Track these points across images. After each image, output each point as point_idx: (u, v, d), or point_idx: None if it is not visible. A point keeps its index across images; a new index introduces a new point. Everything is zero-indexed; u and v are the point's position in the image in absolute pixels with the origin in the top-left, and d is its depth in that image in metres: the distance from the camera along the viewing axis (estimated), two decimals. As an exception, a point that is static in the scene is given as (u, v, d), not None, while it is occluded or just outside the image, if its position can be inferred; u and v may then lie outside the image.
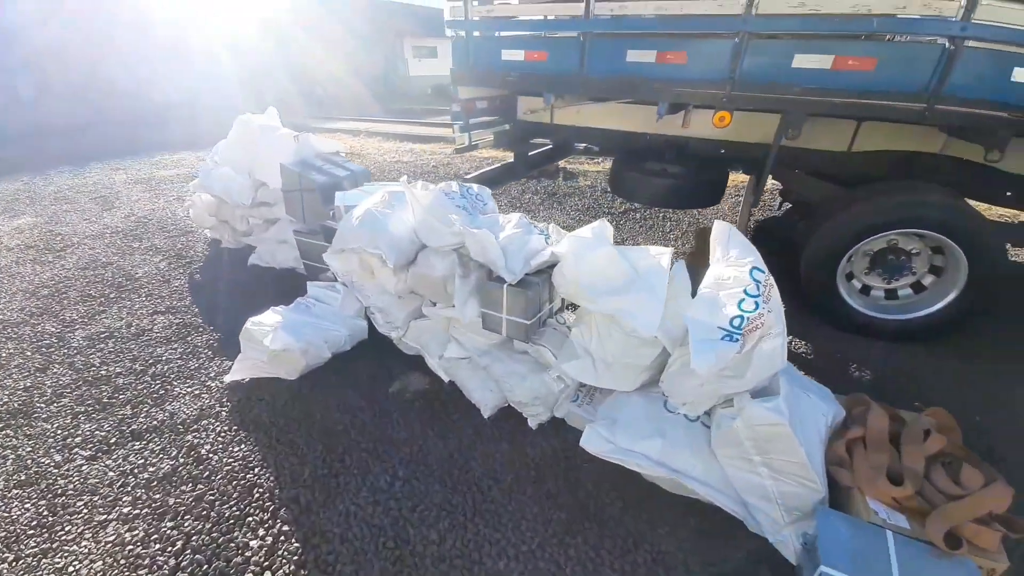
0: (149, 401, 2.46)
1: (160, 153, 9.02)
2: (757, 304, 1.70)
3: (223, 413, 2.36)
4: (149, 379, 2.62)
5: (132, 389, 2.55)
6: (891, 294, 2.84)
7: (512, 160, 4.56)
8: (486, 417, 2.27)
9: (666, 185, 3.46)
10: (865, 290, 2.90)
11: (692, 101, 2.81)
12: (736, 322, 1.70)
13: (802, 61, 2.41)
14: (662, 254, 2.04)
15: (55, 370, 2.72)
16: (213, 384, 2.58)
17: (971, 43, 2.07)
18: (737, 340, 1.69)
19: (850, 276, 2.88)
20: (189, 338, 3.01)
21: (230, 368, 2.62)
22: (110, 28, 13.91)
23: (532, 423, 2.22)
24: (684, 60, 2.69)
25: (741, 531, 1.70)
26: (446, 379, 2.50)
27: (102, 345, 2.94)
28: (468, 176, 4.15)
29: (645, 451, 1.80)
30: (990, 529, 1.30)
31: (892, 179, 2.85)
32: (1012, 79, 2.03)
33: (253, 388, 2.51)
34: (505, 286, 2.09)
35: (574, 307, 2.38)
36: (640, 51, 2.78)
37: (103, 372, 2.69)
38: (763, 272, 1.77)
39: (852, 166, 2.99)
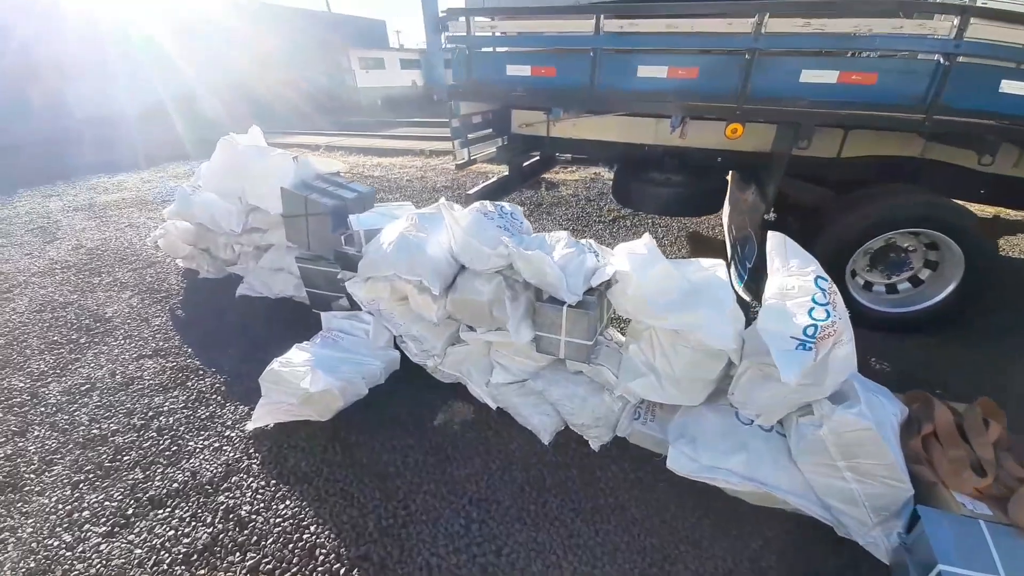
0: (161, 461, 2.18)
1: (96, 176, 8.18)
2: (828, 312, 1.77)
3: (254, 466, 2.14)
4: (154, 434, 2.33)
5: (136, 448, 2.25)
6: (891, 288, 3.06)
7: (507, 173, 4.53)
8: (546, 443, 2.20)
9: (672, 194, 3.56)
10: (867, 286, 3.12)
11: (706, 114, 2.91)
12: (809, 331, 1.75)
13: (809, 76, 2.56)
14: (716, 266, 2.08)
15: (36, 432, 2.35)
16: (233, 434, 2.33)
17: (963, 59, 2.29)
18: (811, 349, 1.75)
19: (853, 273, 3.08)
20: (190, 383, 2.71)
21: (249, 414, 2.39)
22: (23, 41, 12.49)
23: (594, 445, 2.18)
24: (696, 75, 2.78)
25: (831, 536, 1.74)
26: (494, 406, 2.40)
27: (85, 399, 2.58)
28: (471, 191, 4.06)
29: (731, 467, 1.81)
30: None
31: (879, 182, 3.10)
32: (1000, 91, 2.27)
33: (281, 434, 2.29)
34: (565, 308, 2.04)
35: (621, 323, 2.38)
36: (651, 67, 2.84)
37: (95, 431, 2.35)
38: (827, 280, 1.84)
39: (841, 171, 3.22)
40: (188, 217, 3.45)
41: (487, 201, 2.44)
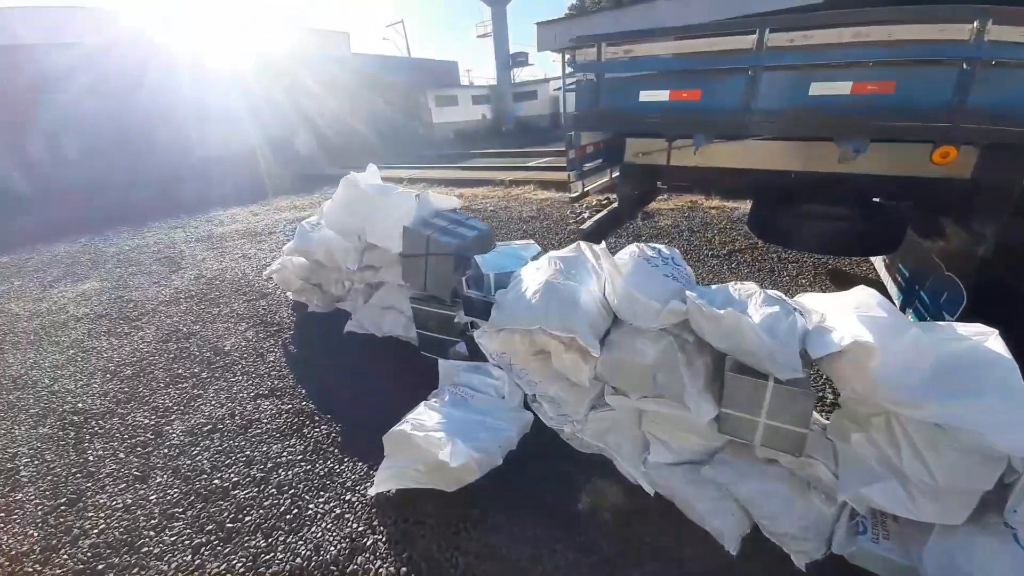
0: (283, 527, 1.98)
1: (212, 209, 9.01)
2: None
3: (380, 546, 1.86)
4: (275, 491, 2.16)
5: (257, 507, 2.08)
6: None
7: (616, 205, 4.20)
8: (732, 552, 1.72)
9: (838, 229, 3.00)
10: None
11: (904, 135, 2.40)
12: None
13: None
14: (984, 335, 1.54)
15: (159, 479, 2.28)
16: (354, 498, 2.09)
17: None
18: None
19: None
20: (305, 430, 2.56)
21: (369, 473, 2.17)
22: (139, 90, 14.54)
23: (799, 562, 1.67)
24: (892, 90, 2.29)
25: None
26: (651, 492, 1.98)
27: (207, 442, 2.51)
28: (584, 226, 3.78)
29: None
30: None
31: None
32: None
33: (406, 504, 2.02)
34: (772, 384, 1.60)
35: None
36: (830, 83, 2.40)
37: (217, 481, 2.23)
38: None
39: None
40: (306, 253, 3.46)
41: (644, 244, 2.09)
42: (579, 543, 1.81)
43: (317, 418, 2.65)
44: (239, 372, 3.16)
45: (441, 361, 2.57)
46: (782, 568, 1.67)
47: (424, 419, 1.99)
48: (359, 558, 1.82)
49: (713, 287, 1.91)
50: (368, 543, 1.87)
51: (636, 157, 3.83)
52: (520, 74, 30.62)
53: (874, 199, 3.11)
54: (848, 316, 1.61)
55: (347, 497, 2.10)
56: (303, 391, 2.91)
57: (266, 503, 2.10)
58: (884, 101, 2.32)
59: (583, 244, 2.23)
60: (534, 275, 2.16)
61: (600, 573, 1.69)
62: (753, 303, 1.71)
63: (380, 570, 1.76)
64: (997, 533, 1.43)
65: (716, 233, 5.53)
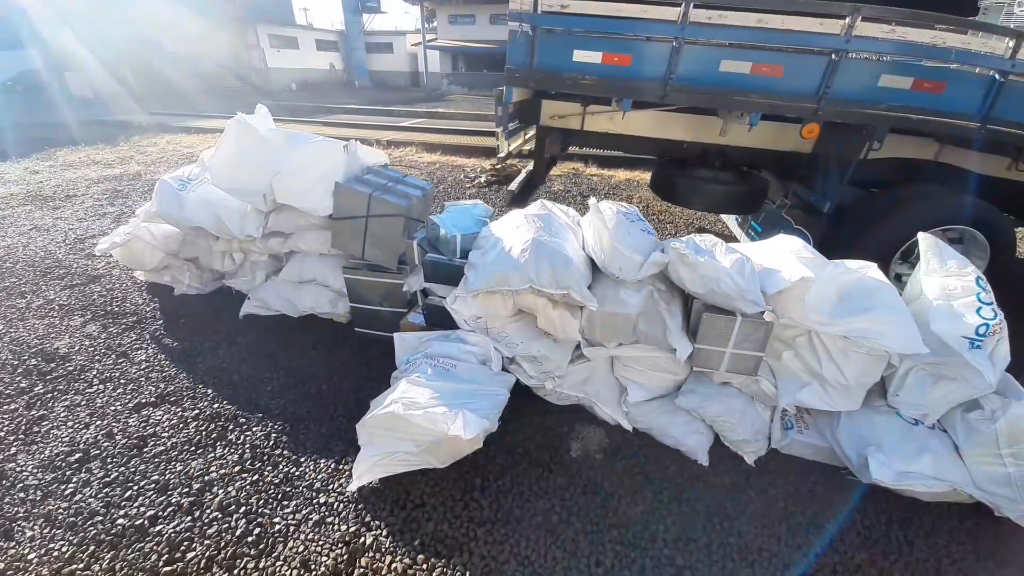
0: (248, 552, 1.62)
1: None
2: (995, 312, 1.82)
3: (384, 540, 1.67)
4: (218, 514, 1.73)
5: (200, 538, 1.65)
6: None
7: (532, 168, 4.25)
8: (705, 464, 2.03)
9: (724, 192, 3.57)
10: (898, 277, 3.40)
11: (786, 113, 2.92)
12: (981, 330, 1.80)
13: (887, 81, 2.68)
14: (867, 267, 2.06)
15: (28, 532, 1.63)
16: (330, 500, 1.82)
17: (1015, 78, 2.53)
18: (980, 347, 1.80)
19: (886, 267, 3.33)
20: (232, 436, 2.09)
21: (339, 470, 1.92)
22: None
23: (751, 459, 2.06)
24: (780, 73, 2.77)
25: (991, 516, 1.80)
26: (630, 428, 2.17)
27: (83, 475, 1.86)
28: (510, 188, 3.72)
29: (921, 469, 1.80)
30: None
31: (897, 183, 3.39)
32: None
33: (395, 492, 1.84)
34: (740, 318, 1.88)
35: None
36: (736, 62, 2.78)
37: (123, 521, 1.69)
38: (984, 279, 1.91)
39: (867, 171, 3.46)
40: (177, 219, 2.67)
41: (609, 201, 2.19)
42: (582, 485, 1.91)
43: (243, 420, 2.18)
44: (96, 380, 2.37)
45: (399, 335, 2.33)
46: (738, 467, 2.04)
47: (414, 396, 1.80)
48: (362, 559, 1.61)
49: (683, 240, 2.12)
50: (368, 541, 1.67)
51: (552, 120, 3.90)
52: (370, 22, 27.70)
53: (743, 167, 3.77)
54: (786, 258, 1.97)
55: (321, 500, 1.81)
56: (209, 392, 2.34)
57: (211, 531, 1.68)
58: (773, 83, 2.78)
59: (594, 203, 2.20)
60: (512, 233, 2.08)
61: (609, 508, 1.82)
62: (719, 252, 1.95)
63: (393, 565, 1.59)
64: (885, 412, 1.98)
65: (601, 198, 6.03)
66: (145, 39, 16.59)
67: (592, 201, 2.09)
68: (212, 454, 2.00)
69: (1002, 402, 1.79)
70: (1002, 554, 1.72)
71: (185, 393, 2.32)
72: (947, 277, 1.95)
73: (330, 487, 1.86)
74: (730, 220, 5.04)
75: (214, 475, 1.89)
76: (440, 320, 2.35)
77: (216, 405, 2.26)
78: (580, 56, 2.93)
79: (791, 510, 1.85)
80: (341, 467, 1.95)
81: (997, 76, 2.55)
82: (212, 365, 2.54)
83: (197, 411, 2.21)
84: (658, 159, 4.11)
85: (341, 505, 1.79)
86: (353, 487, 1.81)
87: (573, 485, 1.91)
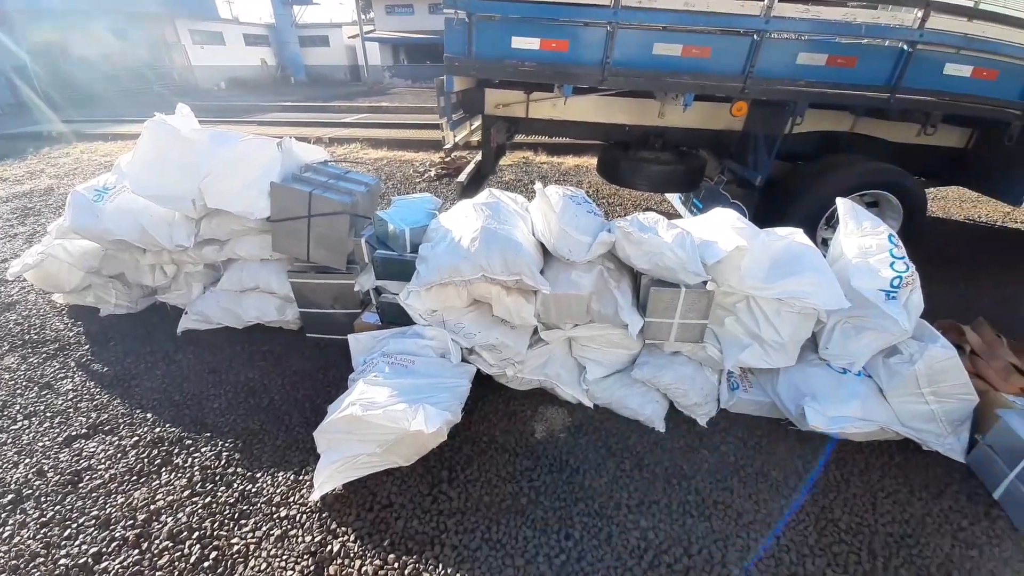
0: None
1: None
2: (906, 265, 2.01)
3: (351, 545, 1.64)
4: (170, 544, 1.64)
5: (151, 569, 1.55)
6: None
7: (480, 158, 4.23)
8: (663, 430, 2.13)
9: (665, 172, 3.70)
10: (824, 242, 3.68)
11: (716, 93, 3.05)
12: (895, 282, 1.98)
13: (805, 59, 2.85)
14: (794, 233, 2.21)
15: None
16: (292, 512, 1.76)
17: (922, 47, 2.76)
18: (895, 298, 1.98)
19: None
20: (178, 460, 1.97)
21: (299, 481, 1.86)
22: None
23: (703, 421, 2.18)
24: (708, 55, 2.88)
25: (919, 451, 2.02)
26: (590, 404, 2.24)
27: (18, 516, 1.69)
28: (459, 179, 3.68)
29: (852, 413, 1.97)
30: None
31: (818, 154, 3.66)
32: (944, 73, 2.82)
33: (361, 495, 1.81)
34: (684, 290, 1.97)
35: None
36: (668, 45, 2.87)
37: (65, 560, 1.56)
38: (895, 236, 2.09)
39: (791, 144, 3.70)
40: (95, 234, 2.45)
41: (566, 186, 2.22)
42: (549, 464, 1.96)
43: (189, 442, 2.06)
44: (20, 416, 2.16)
45: (353, 336, 2.27)
46: (692, 430, 2.15)
47: (372, 396, 1.77)
48: (330, 568, 1.57)
49: (628, 218, 2.18)
50: (335, 549, 1.63)
51: (496, 109, 3.89)
52: (302, 14, 26.28)
53: (682, 148, 3.93)
54: (723, 230, 2.08)
55: (282, 514, 1.75)
56: (148, 417, 2.19)
57: (162, 561, 1.58)
58: (703, 64, 2.90)
59: (540, 187, 2.20)
60: (461, 224, 2.07)
61: (575, 483, 1.88)
62: (661, 228, 2.03)
63: (364, 568, 1.57)
64: (817, 364, 2.14)
65: (547, 183, 6.11)
66: (49, 41, 14.92)
67: (538, 186, 2.11)
68: (157, 481, 1.87)
69: (919, 346, 1.98)
70: (934, 485, 1.91)
71: (121, 420, 2.16)
72: (863, 237, 2.13)
73: (291, 500, 1.80)
74: (674, 198, 5.24)
75: (161, 503, 1.78)
76: (396, 317, 2.31)
77: (158, 429, 2.11)
78: (518, 43, 2.93)
79: (741, 463, 1.98)
80: (301, 478, 1.88)
81: (905, 47, 2.75)
82: (150, 388, 2.37)
83: (136, 438, 2.06)
84: (603, 143, 4.19)
85: (304, 516, 1.74)
86: (315, 496, 1.76)
87: (539, 466, 1.95)
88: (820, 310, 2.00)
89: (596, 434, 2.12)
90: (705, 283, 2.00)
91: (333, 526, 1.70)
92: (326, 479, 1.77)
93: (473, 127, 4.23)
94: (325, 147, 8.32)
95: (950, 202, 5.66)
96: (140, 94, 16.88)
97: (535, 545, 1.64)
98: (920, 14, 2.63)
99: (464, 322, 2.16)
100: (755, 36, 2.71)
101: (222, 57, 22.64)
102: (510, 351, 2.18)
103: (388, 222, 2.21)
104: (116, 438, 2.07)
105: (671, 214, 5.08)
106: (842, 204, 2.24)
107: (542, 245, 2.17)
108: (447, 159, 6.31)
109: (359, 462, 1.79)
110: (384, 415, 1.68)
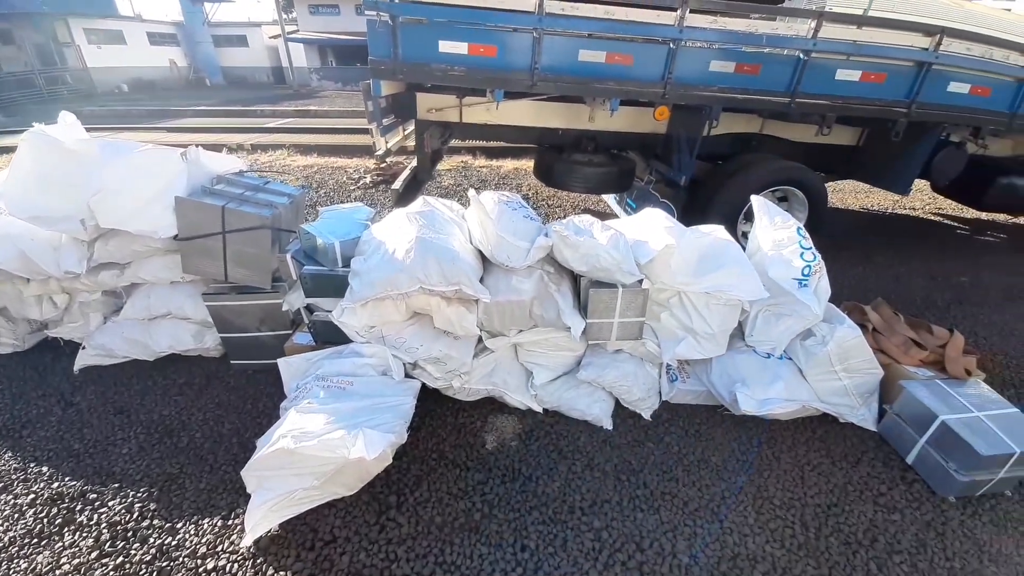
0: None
1: None
2: (814, 254, 2.21)
3: (292, 588, 1.52)
4: (69, 619, 1.42)
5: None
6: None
7: (416, 164, 4.12)
8: (610, 428, 2.17)
9: (599, 174, 3.81)
10: (744, 235, 3.97)
11: (639, 98, 3.17)
12: (806, 271, 2.17)
13: (716, 66, 3.05)
14: (716, 229, 2.35)
15: None
16: (221, 563, 1.59)
17: (816, 55, 3.04)
18: (807, 285, 2.17)
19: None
20: (83, 517, 1.72)
21: (228, 527, 1.69)
22: None
23: (647, 414, 2.25)
24: (631, 62, 3.00)
25: (836, 424, 2.23)
26: (540, 409, 2.24)
27: None
28: (394, 187, 3.55)
29: (777, 395, 2.12)
30: (972, 357, 2.16)
31: (736, 154, 3.95)
32: (836, 78, 3.13)
33: (301, 534, 1.68)
34: (621, 289, 2.02)
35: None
36: (593, 51, 2.95)
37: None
38: (803, 228, 2.29)
39: (710, 146, 3.97)
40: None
41: (501, 191, 2.20)
42: (502, 475, 1.93)
43: (94, 496, 1.81)
44: None
45: (283, 360, 2.10)
46: (638, 424, 2.22)
47: (305, 425, 1.64)
48: (270, 618, 1.44)
49: (564, 221, 2.21)
50: (279, 598, 1.49)
51: (429, 113, 3.81)
52: (215, 12, 24.38)
53: (613, 150, 4.07)
54: (653, 229, 2.17)
55: (209, 566, 1.58)
56: (44, 470, 1.90)
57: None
58: (626, 70, 3.02)
59: (474, 194, 2.14)
60: (394, 234, 1.98)
61: (528, 491, 1.86)
62: (596, 230, 2.08)
63: (308, 612, 1.45)
64: (745, 351, 2.29)
65: (493, 188, 6.12)
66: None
67: (472, 193, 2.07)
68: (60, 543, 1.62)
69: (829, 328, 2.18)
70: (852, 455, 2.10)
71: (14, 476, 1.86)
72: (776, 231, 2.31)
73: (219, 549, 1.63)
74: (609, 199, 5.42)
75: (66, 567, 1.54)
76: (331, 336, 2.17)
77: (56, 484, 1.84)
78: (446, 47, 2.89)
79: (684, 452, 2.07)
80: (231, 523, 1.71)
81: (801, 55, 3.03)
82: (44, 436, 2.06)
83: (32, 495, 1.78)
84: (538, 147, 4.24)
85: (235, 566, 1.58)
86: (248, 541, 1.60)
87: (492, 478, 1.92)
88: (743, 300, 2.14)
89: (547, 438, 2.12)
90: (640, 281, 2.07)
91: (270, 572, 1.56)
92: (259, 521, 1.61)
93: (407, 132, 4.12)
94: (247, 155, 7.83)
95: (846, 194, 6.34)
96: (30, 100, 14.83)
97: (491, 562, 1.60)
98: (813, 24, 2.91)
99: (405, 336, 2.08)
100: (671, 44, 2.85)
101: (123, 58, 20.46)
102: (455, 362, 2.12)
103: (316, 236, 2.07)
104: (10, 496, 1.78)
105: (607, 214, 5.26)
106: (756, 201, 2.41)
107: (480, 253, 2.14)
108: (383, 165, 6.11)
109: (296, 498, 1.65)
110: (320, 445, 1.56)
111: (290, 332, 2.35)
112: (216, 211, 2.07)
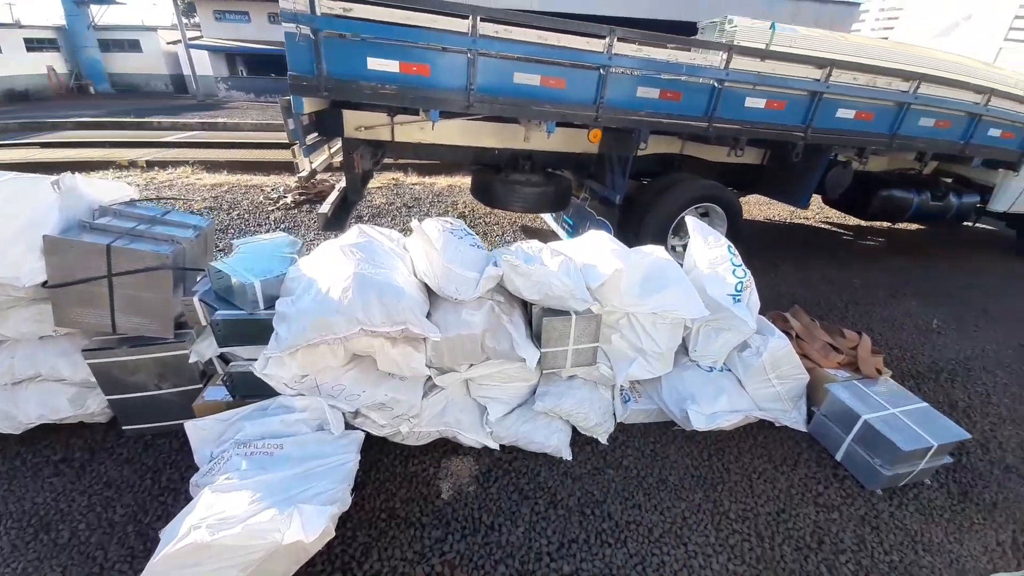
0: None
1: None
2: (744, 271, 2.34)
3: None
4: None
5: None
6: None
7: (345, 184, 3.85)
8: (569, 458, 2.11)
9: (536, 193, 3.82)
10: (673, 248, 4.19)
11: (574, 121, 3.22)
12: (738, 287, 2.29)
13: (643, 92, 3.20)
14: (656, 250, 2.41)
15: None
16: None
17: (728, 84, 3.30)
18: (740, 300, 2.30)
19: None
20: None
21: None
22: None
23: (604, 439, 2.22)
24: (564, 86, 3.05)
25: (774, 428, 2.36)
26: (496, 446, 2.11)
27: None
28: (321, 210, 3.26)
29: (723, 408, 2.20)
30: (879, 357, 2.41)
31: (662, 174, 4.19)
32: (745, 105, 3.42)
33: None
34: (575, 316, 1.98)
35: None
36: (527, 74, 2.95)
37: None
38: (732, 246, 2.42)
39: (638, 165, 4.18)
40: None
41: (444, 218, 2.08)
42: (461, 528, 1.77)
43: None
44: None
45: (192, 424, 1.78)
46: (596, 450, 2.18)
47: (224, 509, 1.37)
48: None
49: (512, 248, 2.13)
50: None
51: (358, 131, 3.60)
52: (102, 15, 21.68)
53: (549, 169, 4.12)
54: (600, 252, 2.17)
55: None
56: None
57: None
58: (560, 94, 3.06)
59: (366, 227, 1.99)
60: (328, 270, 1.77)
61: (492, 542, 1.73)
62: (545, 256, 2.03)
63: None
64: (690, 367, 2.35)
65: (429, 207, 5.95)
66: None
67: (415, 223, 1.93)
68: None
69: (762, 339, 2.31)
70: (790, 458, 2.22)
71: None
72: (710, 250, 2.43)
73: (114, 674, 1.30)
74: (547, 217, 5.50)
75: None
76: (252, 389, 1.88)
77: None
78: (375, 64, 2.73)
79: (643, 475, 2.06)
80: (130, 636, 1.38)
81: (716, 84, 3.27)
82: None
83: None
84: (474, 166, 4.18)
85: None
86: (155, 659, 1.29)
87: (451, 533, 1.75)
88: (686, 319, 2.21)
89: (506, 478, 2.00)
90: (591, 307, 2.05)
91: None
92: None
93: (333, 150, 3.85)
94: (141, 172, 6.91)
95: (752, 207, 7.02)
96: None
97: (457, 633, 1.44)
98: (725, 56, 3.16)
99: (344, 383, 1.86)
100: (602, 71, 2.94)
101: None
102: (403, 406, 1.94)
103: (229, 275, 1.79)
104: None
105: (545, 231, 5.31)
106: (691, 223, 2.53)
107: (426, 285, 1.99)
108: (306, 184, 5.68)
109: (217, 594, 1.38)
110: (245, 532, 1.31)
111: (199, 387, 2.02)
112: (100, 250, 1.71)
